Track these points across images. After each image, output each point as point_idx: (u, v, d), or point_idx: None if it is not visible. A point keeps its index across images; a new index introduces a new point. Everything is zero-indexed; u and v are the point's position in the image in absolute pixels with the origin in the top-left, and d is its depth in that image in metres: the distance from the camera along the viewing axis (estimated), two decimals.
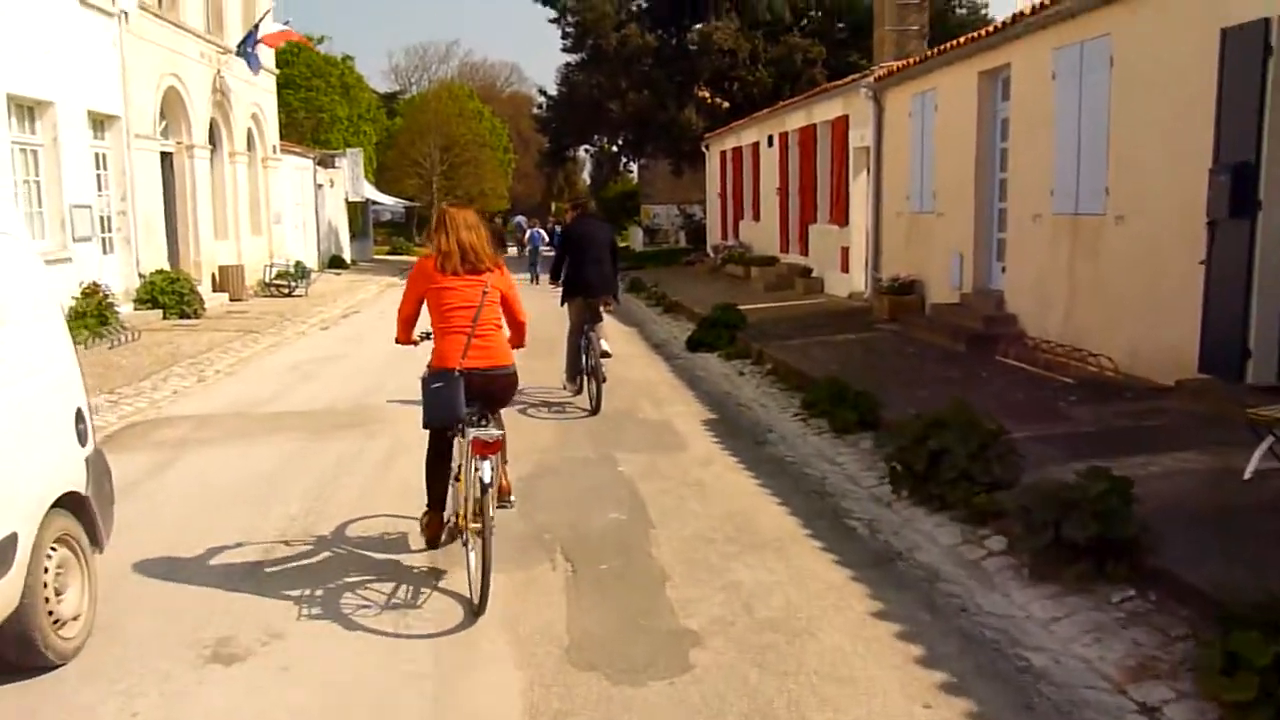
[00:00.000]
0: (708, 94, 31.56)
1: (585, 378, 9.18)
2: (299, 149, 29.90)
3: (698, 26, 30.12)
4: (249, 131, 24.33)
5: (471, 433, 4.47)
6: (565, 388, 9.68)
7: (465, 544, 4.55)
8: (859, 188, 16.27)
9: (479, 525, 4.31)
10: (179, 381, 11.11)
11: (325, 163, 32.95)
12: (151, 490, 6.52)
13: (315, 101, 51.79)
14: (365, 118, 57.66)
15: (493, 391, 4.78)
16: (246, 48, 21.54)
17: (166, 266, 18.18)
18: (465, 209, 5.02)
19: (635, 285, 23.29)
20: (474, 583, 4.35)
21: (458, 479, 4.80)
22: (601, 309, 9.51)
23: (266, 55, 25.69)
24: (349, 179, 35.23)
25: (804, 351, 11.43)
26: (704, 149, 28.64)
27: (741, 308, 14.31)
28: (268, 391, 10.41)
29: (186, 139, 19.91)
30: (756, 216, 23.00)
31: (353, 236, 37.32)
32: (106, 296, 15.04)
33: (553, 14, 32.25)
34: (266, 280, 23.03)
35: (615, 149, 37.71)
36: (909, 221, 14.11)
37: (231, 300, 20.69)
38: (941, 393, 8.75)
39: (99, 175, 16.44)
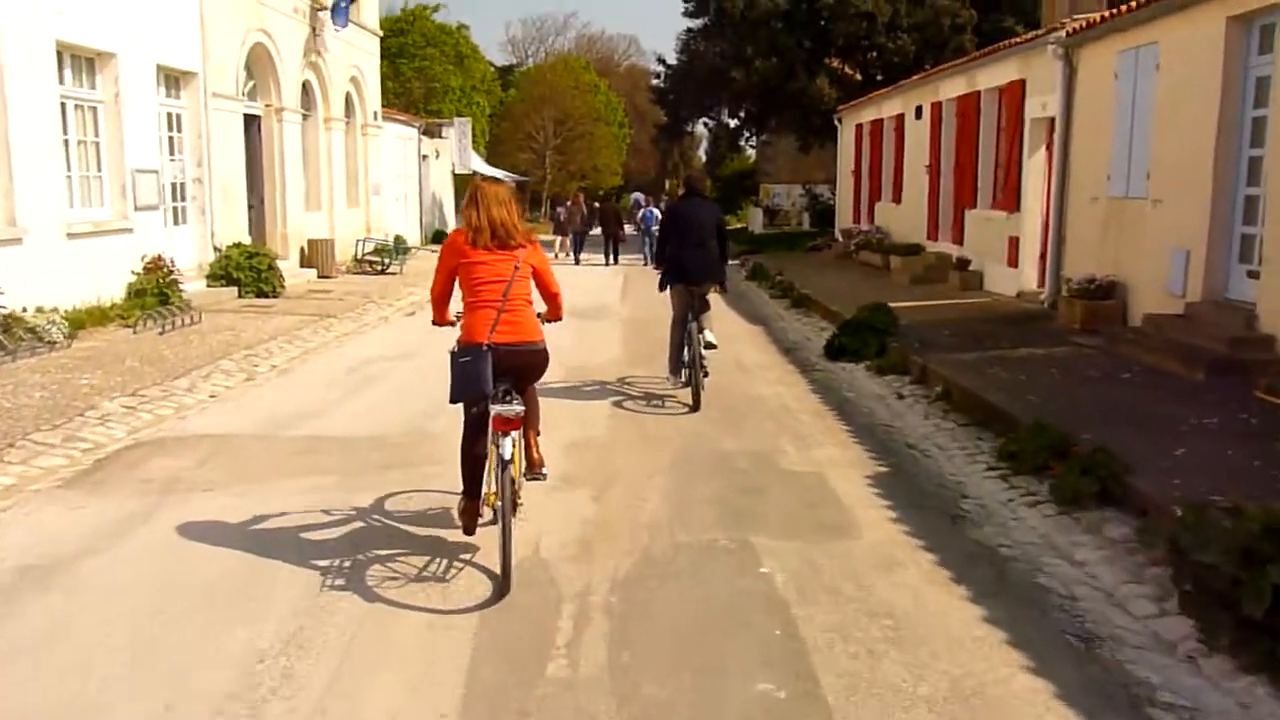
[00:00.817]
0: (838, 63, 28.89)
1: (688, 370, 8.50)
2: (402, 117, 28.37)
3: None
4: (347, 96, 22.77)
5: (494, 409, 4.43)
6: (668, 380, 9.05)
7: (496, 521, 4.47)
8: (1035, 167, 13.61)
9: (500, 503, 4.34)
10: (221, 381, 9.32)
11: (431, 132, 31.40)
12: (66, 590, 4.43)
13: (428, 71, 50.82)
14: (479, 89, 56.46)
15: (521, 367, 4.74)
16: (341, 1, 19.88)
17: (247, 239, 16.64)
18: (499, 184, 4.87)
19: (757, 272, 20.97)
20: (500, 561, 4.34)
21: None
22: (708, 296, 8.72)
23: (369, 12, 24.09)
24: (456, 150, 33.67)
25: (980, 370, 9.00)
26: (836, 122, 26.00)
27: (888, 305, 11.91)
28: (315, 401, 8.52)
29: (276, 101, 18.35)
30: (897, 198, 20.38)
31: (458, 208, 35.86)
32: (170, 272, 13.49)
33: None
34: (359, 256, 21.47)
35: (736, 123, 35.21)
36: (1108, 208, 11.45)
37: (320, 277, 19.15)
38: (1204, 448, 6.30)
39: (171, 138, 14.91)
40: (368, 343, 12.07)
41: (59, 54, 11.80)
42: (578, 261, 26.37)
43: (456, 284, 4.78)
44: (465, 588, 4.42)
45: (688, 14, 30.97)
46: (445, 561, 4.72)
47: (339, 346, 11.69)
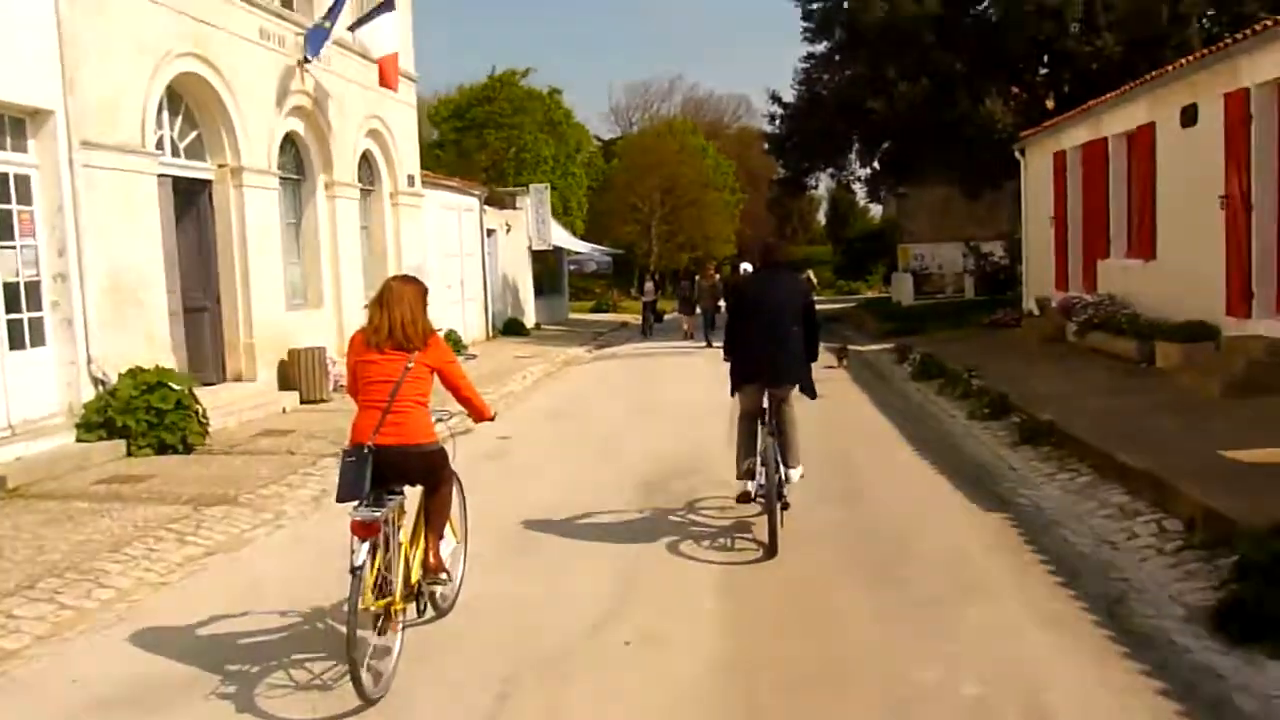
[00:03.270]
0: (1009, 82, 22.29)
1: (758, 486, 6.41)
2: (453, 182, 22.87)
3: None
4: (367, 155, 17.34)
5: (353, 513, 4.31)
6: (740, 489, 6.56)
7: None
8: None
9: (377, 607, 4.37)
10: None
11: (498, 201, 25.95)
12: None
13: (519, 140, 46.15)
14: (574, 159, 51.49)
15: (408, 470, 4.64)
16: (329, 20, 14.44)
17: (168, 360, 11.04)
18: (410, 283, 4.83)
19: (929, 369, 14.39)
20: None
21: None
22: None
23: (401, 52, 18.63)
24: (533, 222, 28.12)
25: None
26: (1016, 155, 19.36)
27: (1229, 455, 5.46)
28: None
29: (231, 159, 12.89)
30: (1145, 252, 13.58)
31: (540, 292, 30.13)
32: None
33: None
34: None
35: (870, 171, 28.71)
36: None
37: (304, 402, 13.46)
38: None
39: (8, 212, 9.43)
40: (211, 591, 5.97)
41: None
42: (709, 343, 20.65)
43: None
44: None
45: (808, 37, 24.80)
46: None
47: (115, 625, 5.58)
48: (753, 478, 6.51)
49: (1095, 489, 7.39)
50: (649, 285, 26.45)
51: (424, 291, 4.81)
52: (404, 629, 4.57)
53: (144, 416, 9.93)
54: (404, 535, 4.64)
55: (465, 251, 23.02)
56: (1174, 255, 12.58)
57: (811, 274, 25.84)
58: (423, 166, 21.97)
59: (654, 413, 12.47)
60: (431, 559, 4.82)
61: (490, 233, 24.92)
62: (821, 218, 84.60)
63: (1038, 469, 8.30)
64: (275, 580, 5.99)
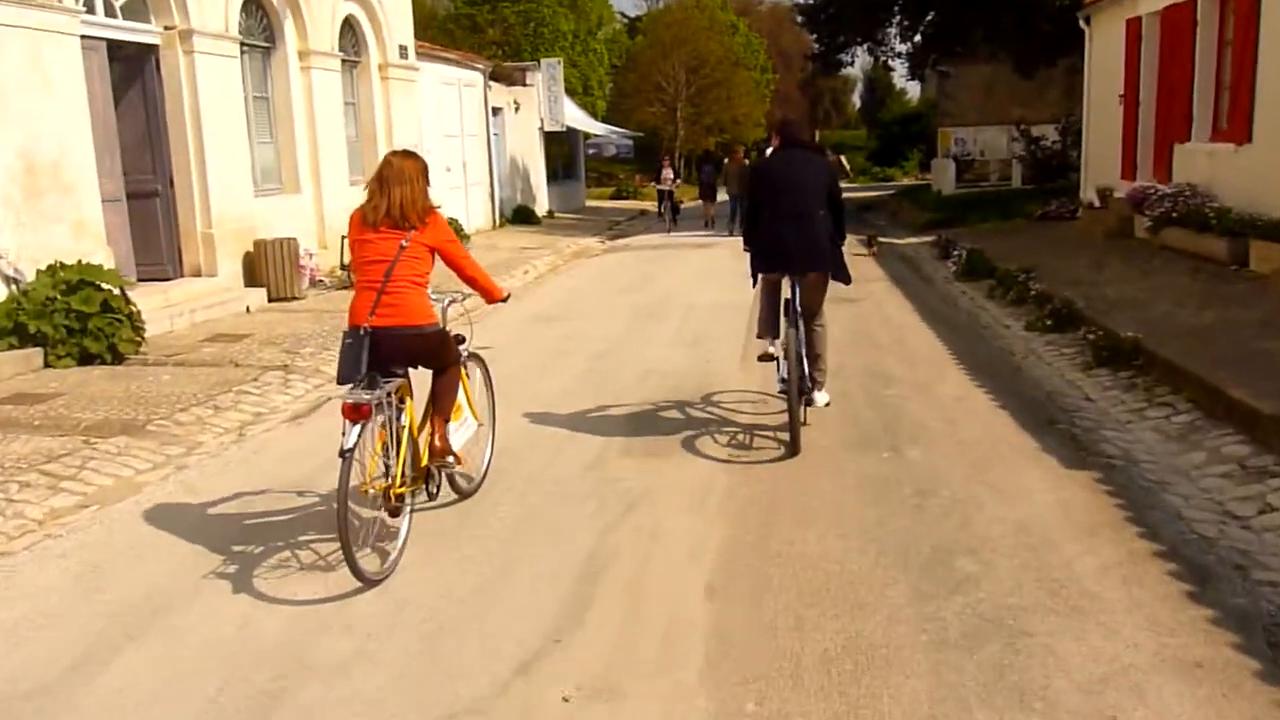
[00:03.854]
0: None
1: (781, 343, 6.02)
2: (453, 55, 20.88)
3: None
4: (350, 23, 15.52)
5: (349, 395, 4.19)
6: (762, 355, 6.33)
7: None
8: None
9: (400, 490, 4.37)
10: None
11: (505, 77, 23.90)
12: None
13: (536, 14, 43.59)
14: (595, 35, 48.80)
15: (405, 351, 4.53)
16: None
17: (101, 255, 9.59)
18: (410, 158, 4.59)
19: (977, 267, 12.73)
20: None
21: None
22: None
23: None
24: (545, 101, 26.10)
25: None
26: (1081, 25, 17.20)
27: None
28: None
29: (180, 21, 11.19)
30: (1239, 134, 11.65)
31: (554, 177, 28.27)
32: None
33: None
34: None
35: (910, 47, 26.33)
36: None
37: (274, 300, 12.07)
38: None
39: None
40: (54, 568, 4.60)
41: None
42: (733, 231, 19.99)
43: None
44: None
45: None
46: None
47: None
48: (776, 336, 6.20)
49: (1202, 433, 5.84)
50: (666, 172, 24.53)
51: (425, 168, 4.60)
52: (413, 511, 4.54)
53: (62, 321, 8.55)
54: (407, 418, 4.50)
55: (467, 132, 21.20)
56: (1276, 138, 10.69)
57: (844, 159, 23.93)
58: (433, 42, 20.06)
59: (664, 316, 10.94)
60: (437, 442, 4.71)
61: (496, 111, 23.02)
62: (856, 100, 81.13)
63: (1121, 402, 6.74)
64: (145, 555, 4.61)
